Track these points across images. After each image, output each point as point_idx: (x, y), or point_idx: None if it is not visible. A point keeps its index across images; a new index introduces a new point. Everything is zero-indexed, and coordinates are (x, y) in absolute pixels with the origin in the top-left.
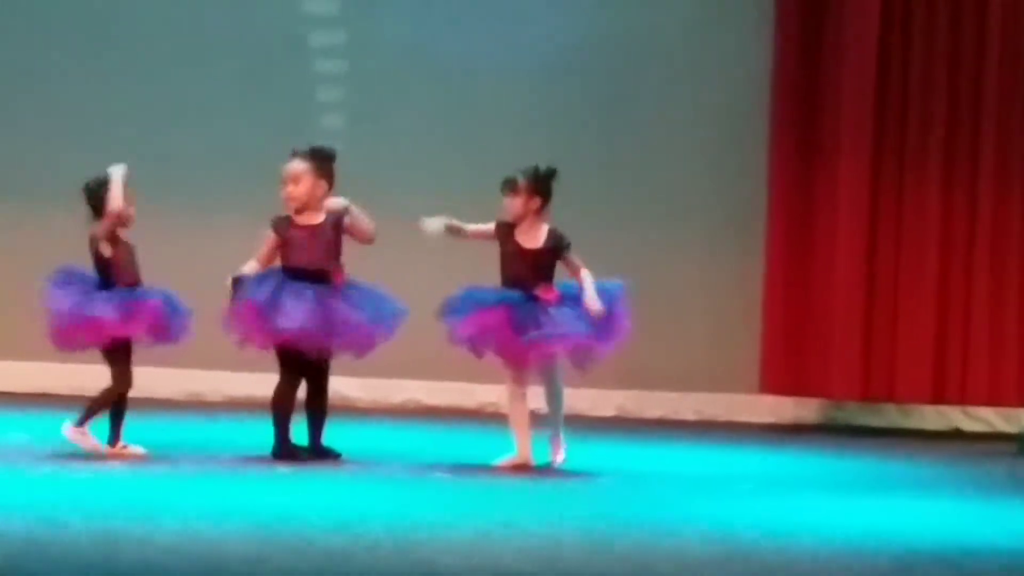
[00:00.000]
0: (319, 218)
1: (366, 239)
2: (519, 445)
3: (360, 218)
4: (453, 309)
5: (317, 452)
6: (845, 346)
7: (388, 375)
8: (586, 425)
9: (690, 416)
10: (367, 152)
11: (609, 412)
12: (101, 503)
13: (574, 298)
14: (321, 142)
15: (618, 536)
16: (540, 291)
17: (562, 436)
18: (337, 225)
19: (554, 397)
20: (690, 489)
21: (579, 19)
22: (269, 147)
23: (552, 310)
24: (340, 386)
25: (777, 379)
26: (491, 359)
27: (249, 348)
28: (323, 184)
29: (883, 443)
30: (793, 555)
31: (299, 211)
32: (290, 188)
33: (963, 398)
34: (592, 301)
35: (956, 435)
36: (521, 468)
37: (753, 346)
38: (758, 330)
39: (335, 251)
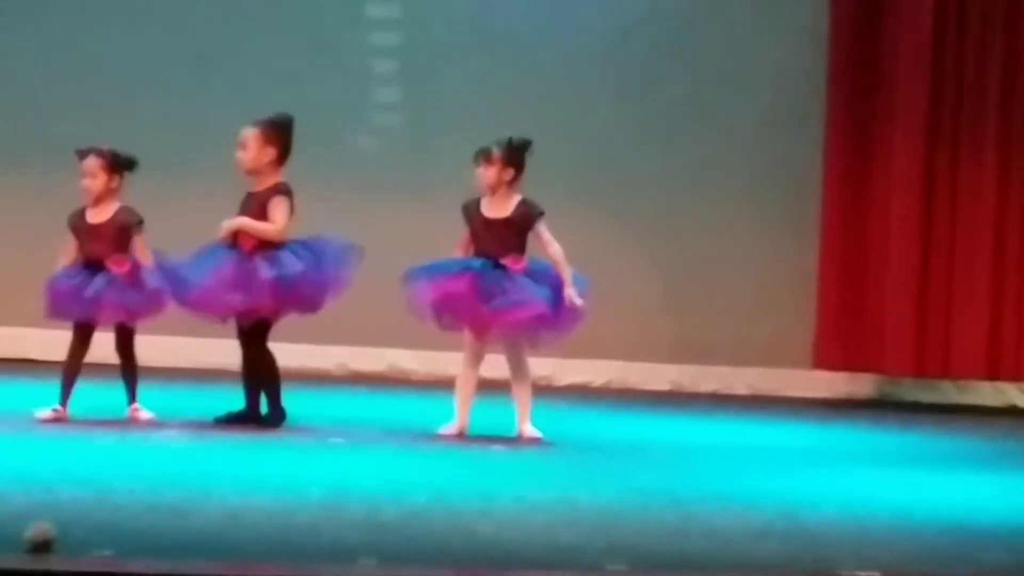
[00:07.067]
0: (253, 187)
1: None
2: (459, 413)
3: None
4: (416, 277)
5: (251, 418)
6: (899, 321)
7: (443, 348)
8: (639, 399)
9: (743, 391)
10: (422, 124)
11: (663, 386)
12: (159, 472)
13: (542, 273)
14: (377, 114)
15: (670, 508)
16: (508, 261)
17: (530, 407)
18: (268, 198)
19: (518, 368)
20: (742, 463)
21: None
22: (327, 119)
23: (518, 278)
24: (395, 358)
25: (831, 354)
26: (454, 330)
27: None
28: (269, 151)
29: (937, 419)
30: (846, 529)
31: (249, 175)
32: (238, 153)
33: (1019, 374)
34: (571, 288)
35: (1012, 411)
36: (459, 437)
37: (807, 321)
38: (812, 305)
39: (262, 217)
